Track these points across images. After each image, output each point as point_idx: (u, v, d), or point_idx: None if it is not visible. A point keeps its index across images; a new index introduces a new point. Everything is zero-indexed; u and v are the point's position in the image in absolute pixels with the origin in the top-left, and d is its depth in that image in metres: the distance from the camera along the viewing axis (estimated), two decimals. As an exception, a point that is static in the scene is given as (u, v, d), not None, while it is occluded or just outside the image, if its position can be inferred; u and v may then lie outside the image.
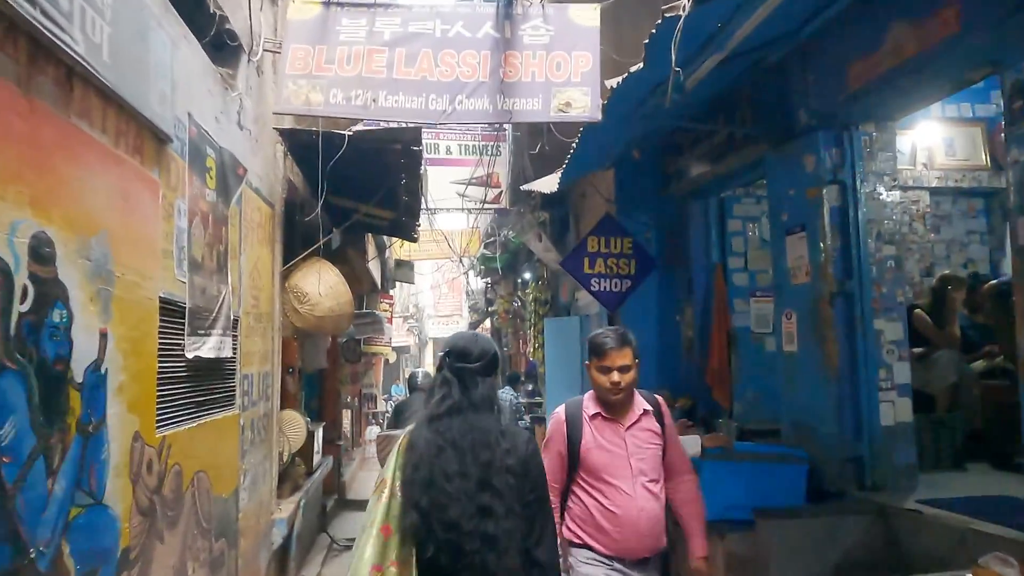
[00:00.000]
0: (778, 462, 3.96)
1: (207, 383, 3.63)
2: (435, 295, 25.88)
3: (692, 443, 3.95)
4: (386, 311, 14.52)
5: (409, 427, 2.24)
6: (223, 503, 3.85)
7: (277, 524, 5.21)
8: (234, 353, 4.10)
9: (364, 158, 5.24)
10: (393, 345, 20.28)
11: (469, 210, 9.67)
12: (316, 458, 7.35)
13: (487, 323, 18.25)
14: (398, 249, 14.12)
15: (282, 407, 6.26)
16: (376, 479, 2.19)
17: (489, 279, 16.22)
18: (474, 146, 9.46)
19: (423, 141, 9.66)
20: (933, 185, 6.24)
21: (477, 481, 2.02)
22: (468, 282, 18.10)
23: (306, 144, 5.00)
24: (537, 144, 6.82)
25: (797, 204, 4.30)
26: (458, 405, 2.14)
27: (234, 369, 4.15)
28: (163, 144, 2.95)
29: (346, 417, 11.04)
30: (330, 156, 4.85)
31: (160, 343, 2.94)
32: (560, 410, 2.91)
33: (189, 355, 3.26)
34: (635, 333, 6.80)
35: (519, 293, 13.40)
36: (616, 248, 6.05)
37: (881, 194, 4.15)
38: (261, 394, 4.89)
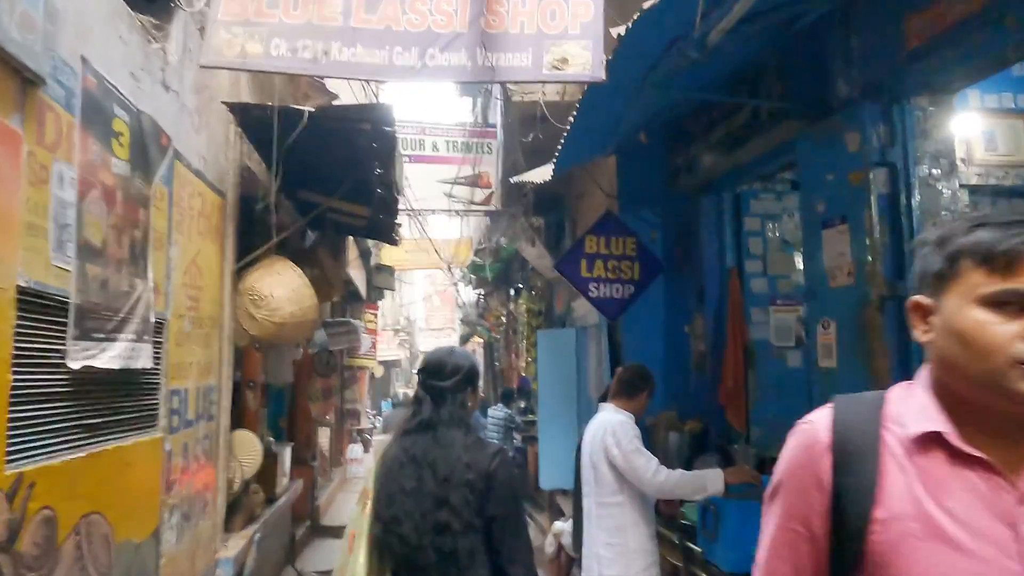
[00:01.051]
0: (818, 502, 3.23)
1: (109, 400, 2.91)
2: (427, 307, 25.24)
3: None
4: (371, 322, 13.80)
5: (389, 437, 2.29)
6: (133, 550, 3.10)
7: (221, 564, 4.46)
8: (157, 363, 3.38)
9: (331, 140, 4.54)
10: (381, 359, 19.56)
11: (457, 212, 8.96)
12: (282, 482, 6.62)
13: (479, 336, 17.51)
14: (387, 256, 13.38)
15: (240, 426, 5.54)
16: (360, 489, 2.23)
17: (481, 290, 15.51)
18: (463, 142, 8.78)
19: (409, 137, 9.10)
20: (972, 183, 5.59)
21: (434, 497, 2.03)
22: (459, 293, 17.37)
23: (268, 126, 4.28)
24: (530, 134, 6.12)
25: (837, 191, 3.60)
26: (428, 421, 2.16)
27: (157, 383, 3.43)
28: (31, 86, 2.25)
29: (324, 435, 10.28)
30: (293, 140, 4.16)
31: (19, 348, 2.22)
32: (815, 421, 1.12)
33: (74, 365, 2.54)
34: (638, 346, 5.95)
35: (511, 304, 12.68)
36: (618, 249, 5.34)
37: (938, 180, 3.47)
38: (201, 412, 4.16)
